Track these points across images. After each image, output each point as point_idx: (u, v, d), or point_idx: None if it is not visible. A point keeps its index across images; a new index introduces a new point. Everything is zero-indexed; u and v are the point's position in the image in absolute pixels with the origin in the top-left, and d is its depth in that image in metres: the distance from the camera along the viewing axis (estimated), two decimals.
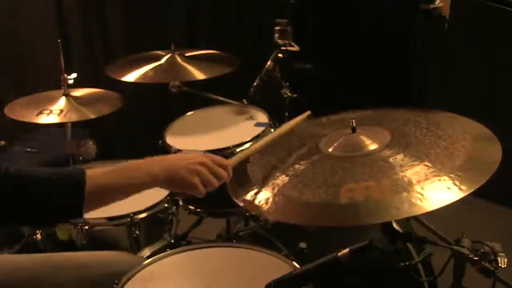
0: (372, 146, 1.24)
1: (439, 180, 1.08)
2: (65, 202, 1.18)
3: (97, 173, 1.21)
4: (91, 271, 1.48)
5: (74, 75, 2.26)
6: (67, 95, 2.22)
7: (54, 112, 2.14)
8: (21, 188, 1.15)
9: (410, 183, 1.09)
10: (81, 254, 1.64)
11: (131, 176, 1.23)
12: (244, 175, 1.31)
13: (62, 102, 2.21)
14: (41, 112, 2.13)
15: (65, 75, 2.22)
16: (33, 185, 1.17)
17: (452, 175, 1.09)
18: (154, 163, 1.26)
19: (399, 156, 1.18)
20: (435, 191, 1.06)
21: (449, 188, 1.06)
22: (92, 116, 2.16)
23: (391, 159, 1.18)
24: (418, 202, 1.04)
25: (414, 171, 1.12)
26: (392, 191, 1.08)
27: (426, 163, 1.14)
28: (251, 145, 1.82)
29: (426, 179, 1.09)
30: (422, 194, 1.06)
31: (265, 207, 1.17)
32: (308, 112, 1.57)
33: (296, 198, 1.15)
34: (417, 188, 1.07)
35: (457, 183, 1.07)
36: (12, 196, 1.15)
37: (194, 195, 1.26)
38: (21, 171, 1.18)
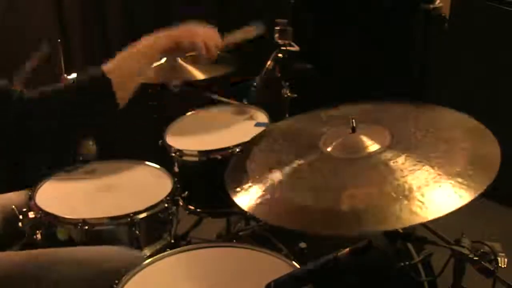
0: (372, 147, 1.24)
1: (440, 186, 1.08)
2: (101, 103, 1.37)
3: (110, 67, 1.38)
4: (89, 266, 1.47)
5: (74, 75, 2.26)
6: None
7: None
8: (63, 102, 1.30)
9: (410, 190, 1.08)
10: (78, 249, 1.63)
11: (141, 57, 1.45)
12: (243, 174, 1.30)
13: None
14: None
15: (65, 75, 2.22)
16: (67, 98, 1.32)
17: (452, 182, 1.08)
18: (158, 36, 1.47)
19: (400, 160, 1.17)
20: (436, 197, 1.06)
21: (449, 196, 1.05)
22: None
23: (391, 163, 1.17)
24: (418, 210, 1.04)
25: (415, 176, 1.11)
26: (393, 198, 1.08)
27: (427, 167, 1.13)
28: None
29: (427, 184, 1.08)
30: (422, 202, 1.05)
31: (263, 210, 1.17)
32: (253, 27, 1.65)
33: (295, 202, 1.15)
34: (417, 195, 1.06)
35: (458, 189, 1.06)
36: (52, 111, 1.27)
37: (196, 55, 1.46)
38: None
